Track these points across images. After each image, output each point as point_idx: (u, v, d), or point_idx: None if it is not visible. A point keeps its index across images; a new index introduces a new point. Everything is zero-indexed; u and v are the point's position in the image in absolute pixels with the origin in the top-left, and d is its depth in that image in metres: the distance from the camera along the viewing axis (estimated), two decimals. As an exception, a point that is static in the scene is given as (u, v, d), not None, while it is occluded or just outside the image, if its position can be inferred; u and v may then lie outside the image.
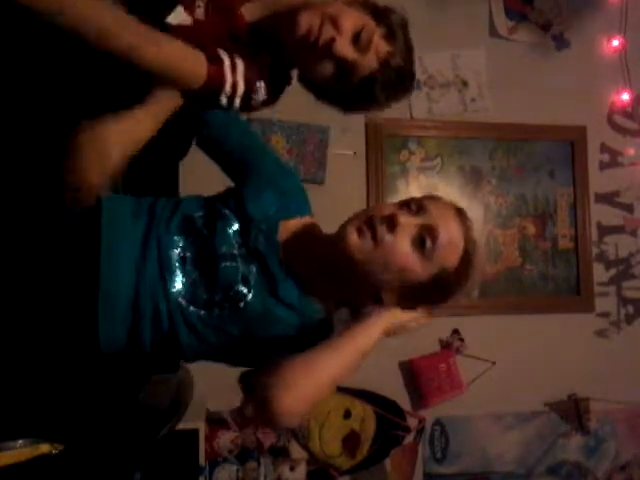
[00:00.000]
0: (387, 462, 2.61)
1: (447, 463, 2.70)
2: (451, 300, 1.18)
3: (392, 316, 1.14)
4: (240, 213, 1.20)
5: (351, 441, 2.53)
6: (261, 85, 1.19)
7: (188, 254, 1.15)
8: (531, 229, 2.84)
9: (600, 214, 2.89)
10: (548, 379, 2.74)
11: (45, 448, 1.46)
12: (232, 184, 1.34)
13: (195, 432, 2.26)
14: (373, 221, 1.08)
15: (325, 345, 1.10)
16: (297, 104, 2.58)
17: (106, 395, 1.34)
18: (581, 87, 2.83)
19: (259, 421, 1.08)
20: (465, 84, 2.80)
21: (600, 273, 2.87)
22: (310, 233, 1.24)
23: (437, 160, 2.77)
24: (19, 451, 1.40)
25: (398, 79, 1.23)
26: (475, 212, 2.69)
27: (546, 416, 2.79)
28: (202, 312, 1.13)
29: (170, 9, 1.16)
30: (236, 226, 1.19)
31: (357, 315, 1.16)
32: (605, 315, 2.86)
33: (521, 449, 2.77)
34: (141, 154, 1.30)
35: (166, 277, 1.12)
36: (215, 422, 2.36)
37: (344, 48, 1.16)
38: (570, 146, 2.88)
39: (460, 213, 1.15)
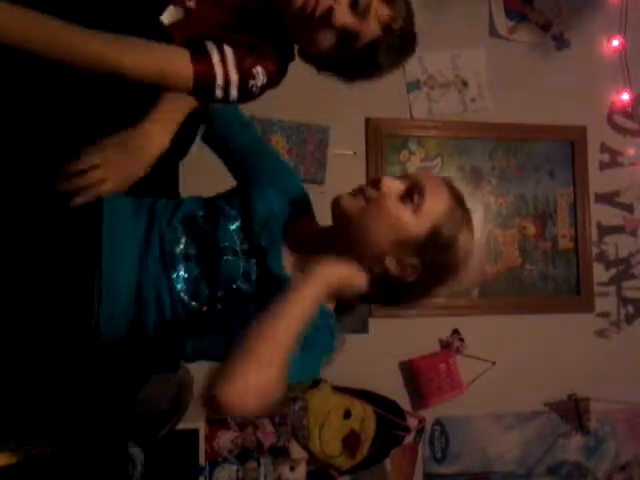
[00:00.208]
0: (387, 462, 2.61)
1: (447, 463, 2.70)
2: (453, 263, 1.16)
3: (332, 269, 1.08)
4: (244, 210, 1.21)
5: (351, 441, 2.53)
6: (258, 70, 1.18)
7: (191, 251, 1.15)
8: (531, 229, 2.84)
9: (600, 214, 2.88)
10: (548, 379, 2.74)
11: (43, 448, 1.45)
12: (232, 184, 1.34)
13: (195, 432, 2.26)
14: (362, 187, 1.16)
15: (270, 316, 1.01)
16: (297, 104, 2.61)
17: (106, 395, 1.34)
18: (581, 87, 2.83)
19: (210, 411, 1.02)
20: (465, 84, 2.80)
21: (600, 273, 2.87)
22: (310, 229, 1.25)
23: (437, 160, 2.77)
24: (17, 452, 1.40)
25: (401, 43, 1.21)
26: (475, 212, 2.68)
27: (546, 416, 2.78)
28: (204, 308, 1.13)
29: (162, 10, 1.16)
30: (238, 222, 1.20)
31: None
32: (605, 315, 2.85)
33: (521, 449, 2.77)
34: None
35: (169, 272, 1.13)
36: (215, 422, 2.36)
37: (343, 16, 1.14)
38: (570, 146, 2.88)
39: (446, 179, 1.21)
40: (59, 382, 1.19)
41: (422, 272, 1.14)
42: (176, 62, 1.12)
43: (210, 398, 0.93)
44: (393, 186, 1.15)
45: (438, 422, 2.69)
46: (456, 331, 2.69)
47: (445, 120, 2.78)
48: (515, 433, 2.76)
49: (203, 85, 1.14)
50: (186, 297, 1.13)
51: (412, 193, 1.13)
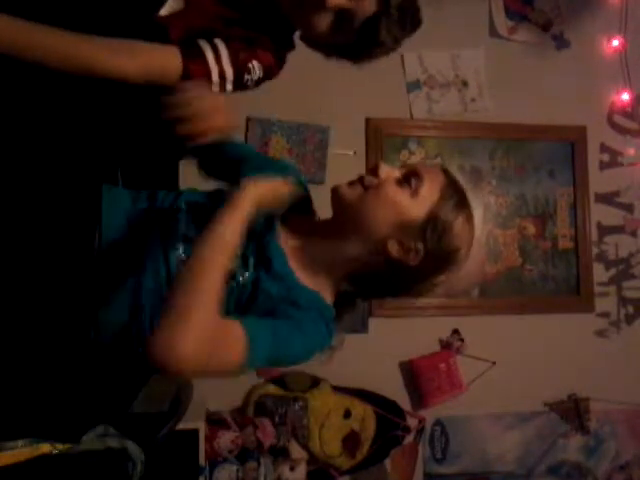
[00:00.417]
0: (387, 462, 2.61)
1: (447, 463, 2.70)
2: (452, 248, 1.16)
3: (258, 186, 1.08)
4: None
5: (351, 441, 2.53)
6: (254, 64, 1.18)
7: (191, 233, 1.15)
8: (531, 229, 2.84)
9: (600, 214, 2.89)
10: (548, 379, 2.74)
11: (45, 448, 1.46)
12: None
13: (195, 432, 2.26)
14: (360, 175, 1.18)
15: (196, 259, 0.99)
16: (297, 104, 2.61)
17: (106, 395, 1.34)
18: (581, 87, 2.83)
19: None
20: (465, 84, 2.80)
21: (600, 273, 2.87)
22: (311, 222, 1.26)
23: (437, 160, 2.77)
24: (19, 451, 1.40)
25: (402, 16, 1.20)
26: (475, 212, 2.68)
27: (546, 416, 2.79)
28: None
29: (162, 3, 1.17)
30: None
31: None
32: (605, 315, 2.85)
33: (521, 449, 2.77)
34: (141, 153, 1.31)
35: (167, 250, 1.13)
36: (215, 422, 2.36)
37: None
38: (570, 146, 2.88)
39: (443, 167, 1.22)
40: (59, 382, 1.19)
41: (423, 256, 1.14)
42: (171, 62, 1.13)
43: (152, 357, 0.90)
44: (391, 172, 1.17)
45: (438, 422, 2.69)
46: (456, 331, 2.69)
47: (445, 120, 2.78)
48: (515, 433, 2.76)
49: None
50: None
51: (409, 178, 1.16)
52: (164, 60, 1.14)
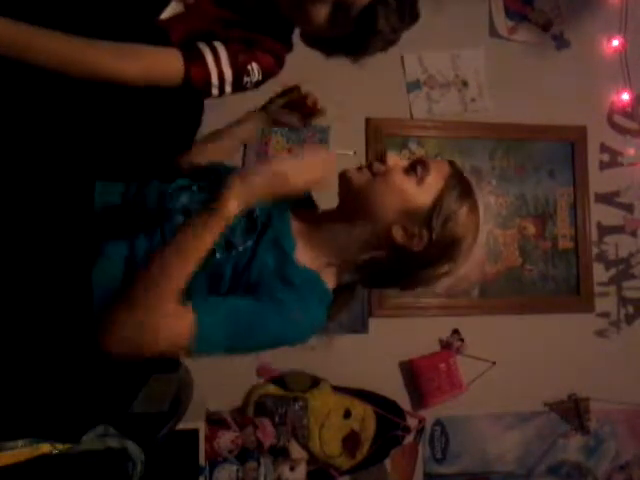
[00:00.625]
0: (387, 462, 2.61)
1: (447, 463, 2.70)
2: (456, 237, 1.18)
3: (247, 184, 1.04)
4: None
5: (351, 441, 2.53)
6: (253, 66, 1.19)
7: (194, 206, 1.14)
8: (531, 229, 2.84)
9: (600, 214, 2.89)
10: (548, 379, 2.74)
11: (45, 448, 1.46)
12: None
13: (195, 432, 2.26)
14: (369, 161, 1.22)
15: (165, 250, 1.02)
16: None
17: (106, 395, 1.34)
18: (581, 87, 2.83)
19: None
20: (465, 84, 2.80)
21: (600, 273, 2.87)
22: (314, 214, 1.28)
23: (437, 160, 2.77)
24: (19, 451, 1.40)
25: (400, 5, 1.20)
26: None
27: (546, 416, 2.79)
28: None
29: (164, 6, 1.18)
30: None
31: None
32: (605, 315, 2.85)
33: (521, 449, 2.77)
34: (141, 153, 1.31)
35: (164, 216, 1.13)
36: (215, 422, 2.36)
37: None
38: (570, 146, 2.88)
39: (450, 161, 1.24)
40: (59, 382, 1.19)
41: (427, 243, 1.15)
42: (173, 65, 1.14)
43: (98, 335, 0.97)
44: (398, 160, 1.20)
45: (438, 422, 2.69)
46: (456, 331, 2.69)
47: (445, 120, 2.78)
48: (515, 433, 2.76)
49: (199, 86, 1.16)
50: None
51: (416, 167, 1.18)
52: (166, 63, 1.15)
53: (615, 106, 2.90)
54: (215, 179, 1.15)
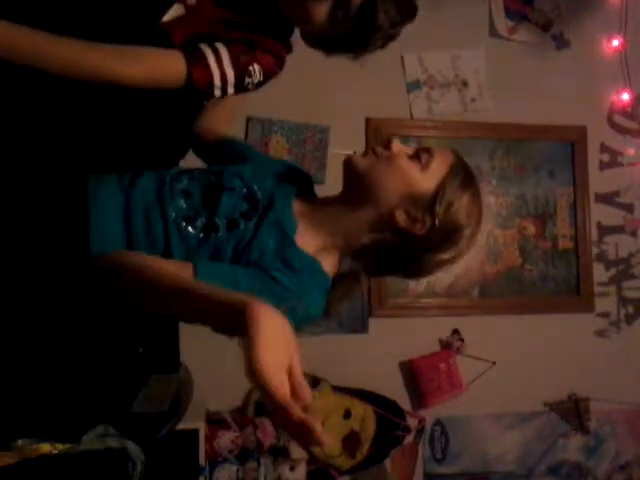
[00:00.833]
0: (387, 462, 2.61)
1: (447, 463, 2.70)
2: (459, 223, 1.19)
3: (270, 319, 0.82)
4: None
5: (351, 441, 2.53)
6: (255, 67, 1.20)
7: (193, 189, 1.16)
8: (531, 229, 2.84)
9: (600, 214, 2.89)
10: (548, 379, 2.74)
11: (45, 448, 1.45)
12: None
13: (195, 432, 2.26)
14: (373, 146, 1.22)
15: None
16: (297, 104, 2.61)
17: (106, 395, 1.34)
18: (581, 87, 2.83)
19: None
20: (465, 84, 2.80)
21: (600, 273, 2.87)
22: (317, 200, 1.30)
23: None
24: (19, 451, 1.40)
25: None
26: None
27: (546, 416, 2.79)
28: (201, 235, 1.13)
29: (166, 9, 1.18)
30: (248, 170, 1.24)
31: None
32: (605, 315, 2.85)
33: (521, 449, 2.77)
34: (141, 153, 1.31)
35: (165, 203, 1.13)
36: (215, 422, 2.36)
37: None
38: (570, 146, 2.88)
39: (453, 149, 1.26)
40: (59, 382, 1.19)
41: (430, 228, 1.16)
42: (175, 67, 1.15)
43: None
44: (403, 147, 1.21)
45: (438, 422, 2.69)
46: (456, 331, 2.69)
47: (445, 120, 2.78)
48: (515, 433, 2.76)
49: (202, 87, 1.17)
50: (183, 222, 1.12)
51: (420, 154, 1.19)
52: (169, 65, 1.16)
53: (615, 106, 2.90)
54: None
